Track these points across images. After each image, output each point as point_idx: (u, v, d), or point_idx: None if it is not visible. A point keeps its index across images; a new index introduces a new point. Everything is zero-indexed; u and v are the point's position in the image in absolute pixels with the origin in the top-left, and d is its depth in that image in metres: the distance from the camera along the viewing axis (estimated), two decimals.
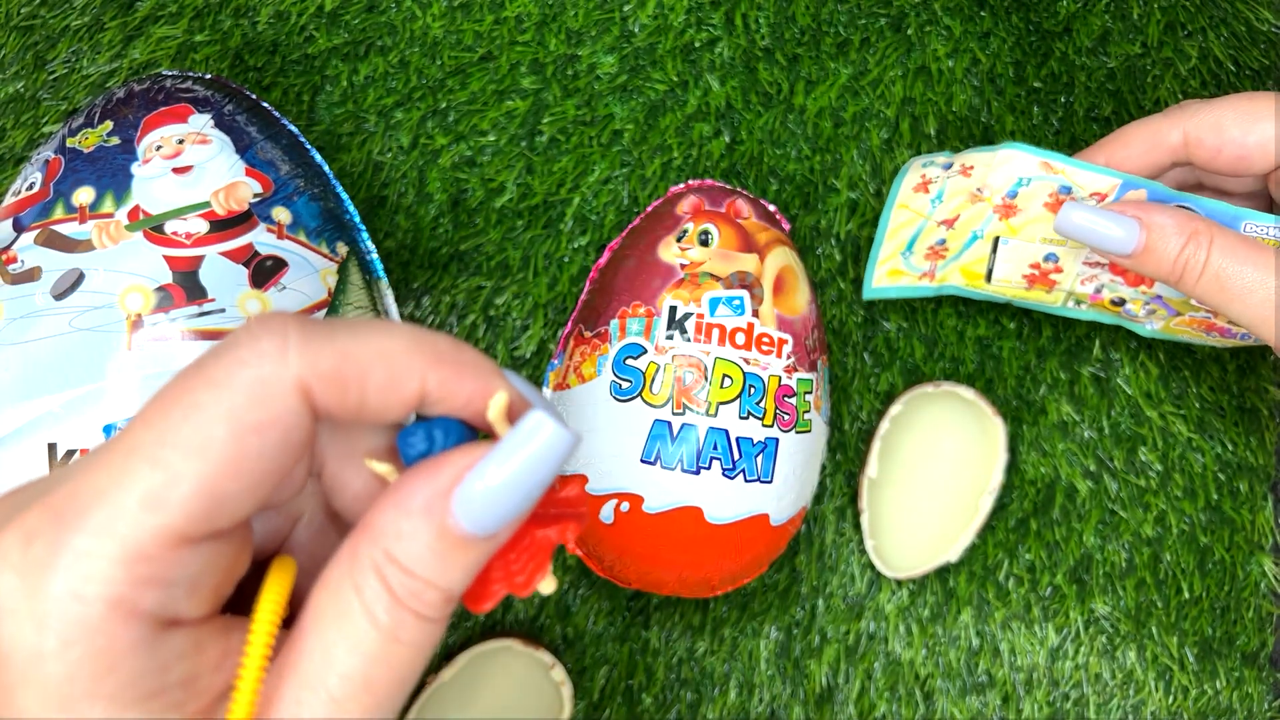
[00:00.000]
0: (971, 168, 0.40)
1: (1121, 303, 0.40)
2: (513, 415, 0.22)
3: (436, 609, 0.20)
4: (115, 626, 0.18)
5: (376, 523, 0.20)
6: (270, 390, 0.19)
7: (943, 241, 0.41)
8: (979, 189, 0.39)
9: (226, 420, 0.18)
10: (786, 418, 0.38)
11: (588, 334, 0.40)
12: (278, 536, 0.24)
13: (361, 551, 0.20)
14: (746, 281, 0.39)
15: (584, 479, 0.23)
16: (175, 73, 0.40)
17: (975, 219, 0.40)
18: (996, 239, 0.40)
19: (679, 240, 0.39)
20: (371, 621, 0.19)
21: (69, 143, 0.37)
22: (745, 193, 0.41)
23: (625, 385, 0.38)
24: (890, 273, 0.42)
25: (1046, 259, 0.40)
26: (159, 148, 0.37)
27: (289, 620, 0.21)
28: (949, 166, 0.40)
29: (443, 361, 0.20)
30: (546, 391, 0.42)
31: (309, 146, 0.41)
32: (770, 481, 0.38)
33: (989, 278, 0.41)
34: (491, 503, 0.19)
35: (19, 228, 0.36)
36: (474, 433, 0.22)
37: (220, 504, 0.19)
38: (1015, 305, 0.43)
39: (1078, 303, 0.41)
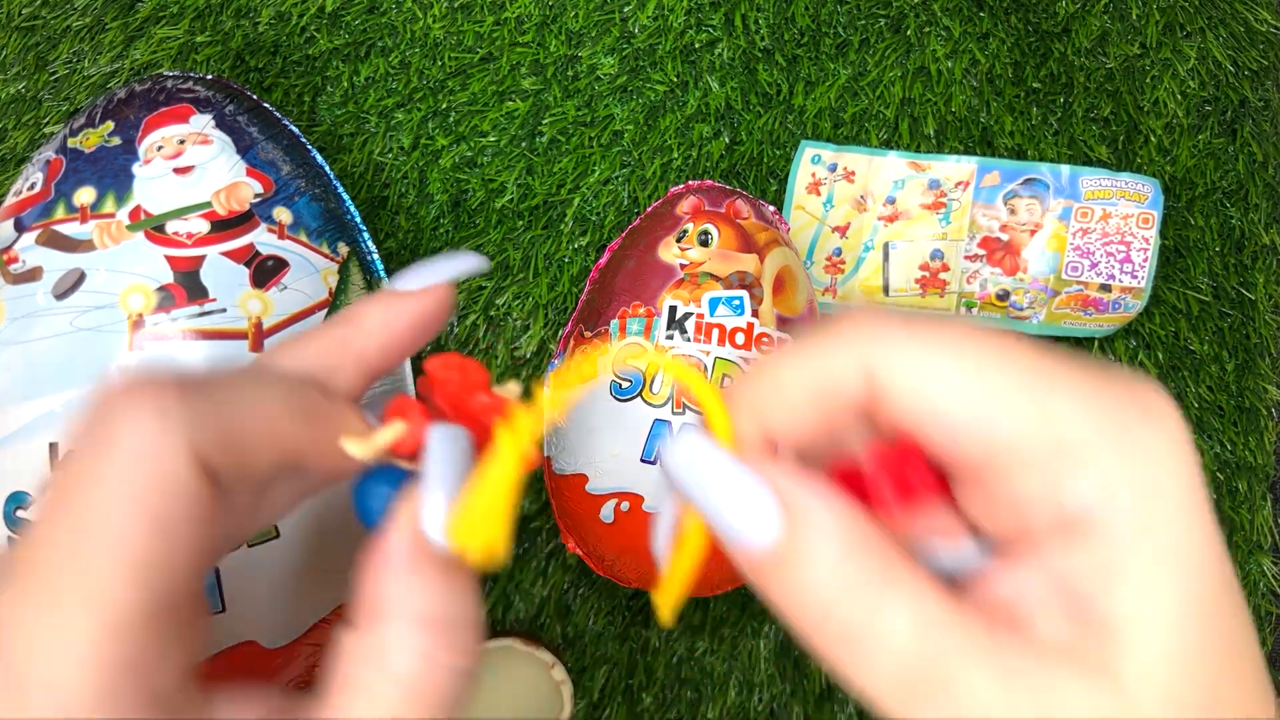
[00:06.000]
0: (854, 173, 0.44)
1: (1006, 296, 0.44)
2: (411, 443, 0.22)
3: (462, 657, 0.20)
4: None
5: (375, 635, 0.20)
6: (166, 513, 0.19)
7: (839, 252, 0.44)
8: (862, 196, 0.44)
9: (128, 556, 0.18)
10: None
11: (588, 334, 0.40)
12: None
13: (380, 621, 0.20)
14: (746, 281, 0.39)
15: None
16: (176, 73, 0.40)
17: (864, 229, 0.44)
18: (886, 244, 0.44)
19: (679, 240, 0.39)
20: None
21: (70, 143, 0.38)
22: (745, 193, 0.42)
23: (625, 385, 0.38)
24: None
25: (933, 256, 0.44)
26: (160, 148, 0.37)
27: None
28: (834, 168, 0.44)
29: (312, 420, 0.21)
30: (546, 392, 0.42)
31: (310, 147, 0.41)
32: None
33: (886, 290, 0.44)
34: (441, 515, 0.20)
35: (20, 228, 0.36)
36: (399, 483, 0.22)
37: (145, 632, 0.18)
38: None
39: (969, 307, 0.44)
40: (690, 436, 0.20)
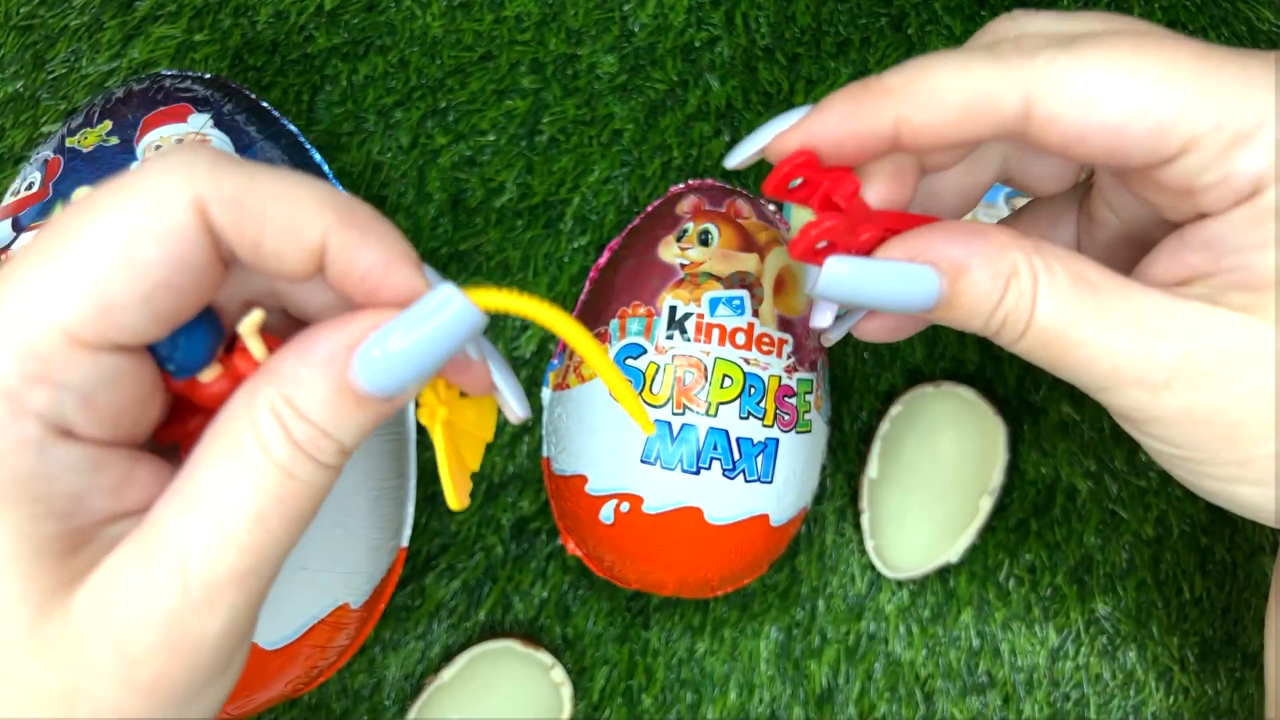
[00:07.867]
0: None
1: None
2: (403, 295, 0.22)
3: (331, 457, 0.21)
4: (2, 418, 0.18)
5: (278, 367, 0.20)
6: (167, 200, 0.19)
7: None
8: None
9: (121, 225, 0.19)
10: (787, 418, 0.38)
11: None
12: None
13: (260, 392, 0.20)
14: (747, 281, 0.39)
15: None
16: (174, 72, 0.40)
17: None
18: None
19: (679, 240, 0.39)
20: (267, 457, 0.20)
21: (68, 142, 0.37)
22: (745, 192, 0.41)
23: None
24: None
25: None
26: (158, 147, 0.37)
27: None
28: None
29: (350, 222, 0.20)
30: (545, 392, 0.42)
31: (308, 146, 0.41)
32: (770, 482, 0.38)
33: None
34: (391, 368, 0.20)
35: (18, 227, 0.36)
36: (219, 336, 0.22)
37: (111, 309, 0.19)
38: None
39: None
40: (839, 261, 0.24)
